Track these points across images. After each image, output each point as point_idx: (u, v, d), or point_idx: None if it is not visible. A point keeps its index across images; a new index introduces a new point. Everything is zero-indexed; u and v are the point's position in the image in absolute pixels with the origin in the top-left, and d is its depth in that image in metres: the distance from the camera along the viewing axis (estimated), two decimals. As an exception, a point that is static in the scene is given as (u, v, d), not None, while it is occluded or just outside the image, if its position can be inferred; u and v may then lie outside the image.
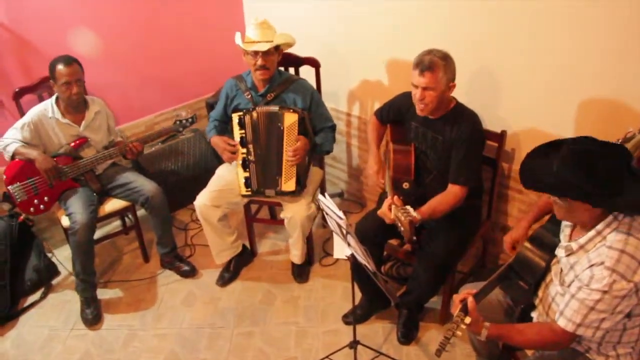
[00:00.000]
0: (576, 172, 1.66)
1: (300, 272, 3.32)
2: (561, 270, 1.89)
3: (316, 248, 3.50)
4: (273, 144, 2.96)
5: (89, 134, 3.10)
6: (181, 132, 3.45)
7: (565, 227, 1.93)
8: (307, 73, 3.35)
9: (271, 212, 3.76)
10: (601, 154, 1.66)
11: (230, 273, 3.34)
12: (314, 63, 3.32)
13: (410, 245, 2.93)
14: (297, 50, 3.32)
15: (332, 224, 2.29)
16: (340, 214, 2.10)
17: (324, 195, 2.22)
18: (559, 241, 1.95)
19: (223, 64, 3.50)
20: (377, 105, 2.87)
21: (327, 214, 2.24)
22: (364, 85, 3.49)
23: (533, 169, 1.80)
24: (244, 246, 3.41)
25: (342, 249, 2.35)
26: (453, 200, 2.51)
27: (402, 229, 2.25)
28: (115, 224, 3.85)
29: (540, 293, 2.03)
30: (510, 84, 2.69)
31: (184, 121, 3.36)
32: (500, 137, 2.70)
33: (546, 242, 2.04)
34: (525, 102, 2.66)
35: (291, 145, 2.91)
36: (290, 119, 2.89)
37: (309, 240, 3.27)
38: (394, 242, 2.91)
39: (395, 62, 3.20)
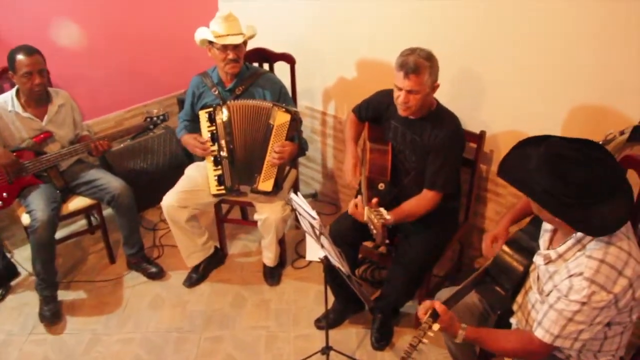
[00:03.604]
0: (542, 175, 1.61)
1: (272, 275, 3.24)
2: (538, 277, 1.84)
3: (288, 250, 3.41)
4: (257, 139, 2.87)
5: (53, 129, 2.97)
6: (151, 130, 3.34)
7: (545, 233, 1.88)
8: (281, 69, 3.26)
9: (243, 213, 3.67)
10: (578, 161, 1.59)
11: (199, 274, 3.23)
12: (289, 59, 3.24)
13: (385, 248, 2.87)
14: (272, 46, 3.25)
15: (304, 225, 2.21)
16: (314, 214, 2.02)
17: (297, 194, 2.14)
18: (538, 246, 1.89)
19: (196, 59, 3.41)
20: (353, 105, 2.80)
21: (299, 214, 2.15)
22: (340, 84, 3.42)
23: (513, 158, 1.76)
24: (216, 248, 3.31)
25: (315, 250, 2.27)
26: (427, 205, 2.47)
27: (374, 231, 2.19)
28: (81, 223, 3.71)
29: (519, 299, 1.97)
30: (490, 84, 2.65)
31: (154, 118, 3.23)
32: (479, 137, 2.66)
33: (525, 246, 1.99)
34: (505, 103, 2.62)
35: (277, 144, 2.82)
36: (282, 118, 2.80)
37: (281, 242, 3.18)
38: (368, 244, 2.84)
39: (374, 60, 3.14)
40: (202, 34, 2.82)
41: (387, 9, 2.92)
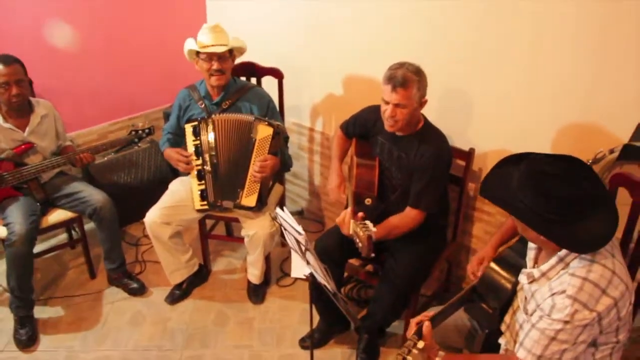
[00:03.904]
0: (525, 193, 1.58)
1: (257, 292, 3.16)
2: (525, 297, 1.80)
3: (273, 267, 3.34)
4: (240, 153, 2.82)
5: (35, 140, 2.91)
6: (136, 144, 3.28)
7: (530, 251, 1.85)
8: (269, 84, 3.23)
9: (227, 229, 3.60)
10: (560, 177, 1.57)
11: (182, 291, 3.16)
12: (277, 74, 3.21)
13: (372, 266, 2.83)
14: (259, 61, 3.22)
15: (290, 241, 2.15)
16: (300, 229, 1.97)
17: (282, 209, 2.09)
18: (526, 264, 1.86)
19: (183, 73, 3.37)
20: (341, 121, 2.78)
21: (285, 229, 2.10)
22: (328, 100, 3.39)
23: (495, 177, 1.74)
24: (200, 265, 3.24)
25: (301, 267, 2.21)
26: (411, 223, 2.44)
27: (359, 244, 2.15)
28: (61, 237, 3.62)
29: (507, 319, 1.92)
30: (480, 102, 2.63)
31: (139, 132, 3.19)
32: (468, 155, 2.62)
33: (513, 264, 1.95)
34: (494, 121, 2.60)
35: (259, 158, 2.77)
36: (264, 132, 2.76)
37: (266, 260, 3.11)
38: (354, 262, 2.79)
39: (363, 76, 3.11)
40: (189, 44, 2.81)
41: (376, 26, 2.90)
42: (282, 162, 2.91)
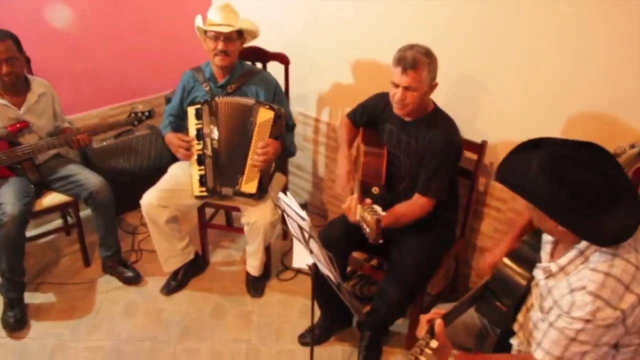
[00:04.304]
0: (544, 179, 1.49)
1: (256, 285, 3.06)
2: (541, 294, 1.70)
3: (274, 260, 3.24)
4: (239, 138, 2.73)
5: (31, 118, 2.81)
6: (135, 126, 3.19)
7: (546, 244, 1.75)
8: (275, 71, 3.13)
9: (227, 219, 3.50)
10: (581, 163, 1.48)
11: (177, 282, 3.06)
12: (283, 59, 3.11)
13: (377, 261, 2.73)
14: (266, 46, 3.14)
15: (292, 227, 2.05)
16: (304, 214, 1.86)
17: (285, 194, 1.98)
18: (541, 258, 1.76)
19: (188, 58, 3.28)
20: (347, 111, 2.68)
21: (287, 215, 2.00)
22: (335, 89, 3.30)
23: (512, 163, 1.64)
24: (196, 254, 3.13)
25: (303, 257, 2.11)
26: (419, 212, 2.34)
27: (367, 229, 2.05)
28: (57, 223, 3.52)
29: (520, 318, 1.82)
30: (492, 92, 2.54)
31: (139, 114, 3.09)
32: (480, 147, 2.52)
33: (527, 259, 1.84)
34: (506, 113, 2.51)
35: (260, 143, 2.68)
36: (264, 115, 2.67)
37: (266, 252, 3.01)
38: (359, 255, 2.69)
39: (370, 66, 3.02)
40: (197, 21, 2.75)
41: (385, 13, 2.82)
42: (284, 147, 2.82)
